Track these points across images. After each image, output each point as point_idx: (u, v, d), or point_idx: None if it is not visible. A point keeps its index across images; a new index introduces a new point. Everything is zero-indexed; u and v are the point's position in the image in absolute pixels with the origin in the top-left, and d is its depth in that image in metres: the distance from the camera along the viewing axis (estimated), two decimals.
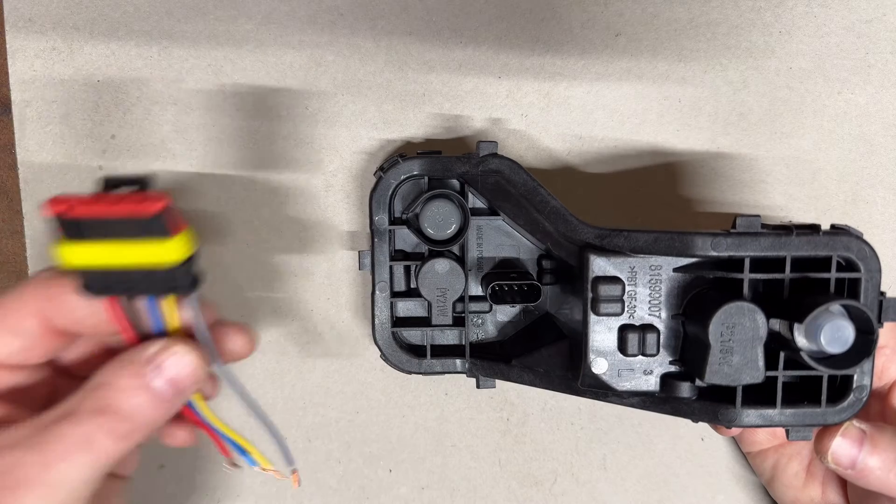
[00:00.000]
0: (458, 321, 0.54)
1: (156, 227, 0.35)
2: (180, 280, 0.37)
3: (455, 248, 0.54)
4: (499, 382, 0.54)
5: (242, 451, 0.44)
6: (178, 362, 0.39)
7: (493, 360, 0.54)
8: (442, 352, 0.55)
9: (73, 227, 0.36)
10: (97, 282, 0.37)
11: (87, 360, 0.45)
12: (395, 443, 0.60)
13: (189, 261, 0.37)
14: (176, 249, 0.36)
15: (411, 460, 0.60)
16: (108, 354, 0.43)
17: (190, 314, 0.40)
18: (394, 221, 0.53)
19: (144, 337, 0.40)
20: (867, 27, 0.58)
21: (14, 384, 0.41)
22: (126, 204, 0.35)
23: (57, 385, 0.44)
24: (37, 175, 0.57)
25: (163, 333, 0.40)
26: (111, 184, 0.37)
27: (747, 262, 0.46)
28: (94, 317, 0.40)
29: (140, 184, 0.37)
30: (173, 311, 0.40)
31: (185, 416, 0.42)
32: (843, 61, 0.58)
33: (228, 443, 0.44)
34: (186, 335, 0.40)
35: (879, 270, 0.45)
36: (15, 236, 0.58)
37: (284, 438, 0.44)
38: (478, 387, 0.54)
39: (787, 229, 0.46)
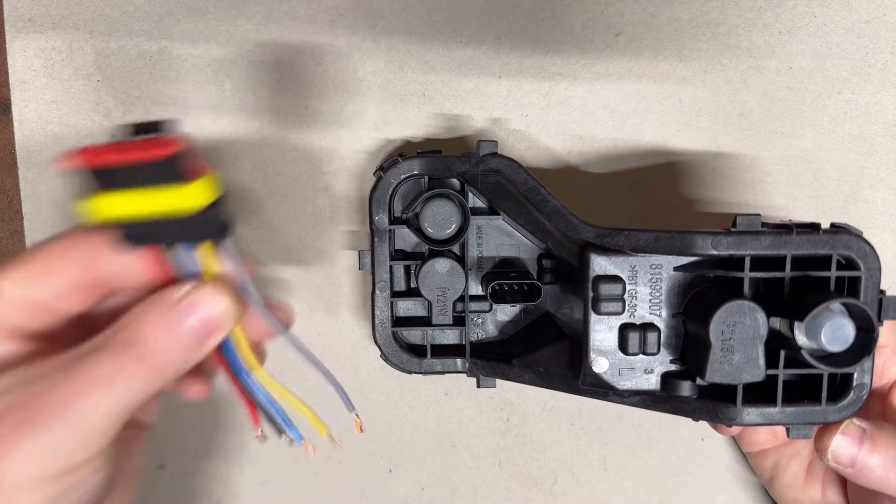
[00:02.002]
0: (459, 321, 0.54)
1: (172, 173, 0.34)
2: (210, 227, 0.36)
3: (455, 248, 0.54)
4: (499, 382, 0.54)
5: (286, 420, 0.42)
6: (210, 302, 0.38)
7: (493, 359, 0.54)
8: (442, 351, 0.55)
9: (96, 178, 0.34)
10: (134, 233, 0.36)
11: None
12: (395, 443, 0.60)
13: (215, 206, 0.36)
14: (197, 195, 0.35)
15: (411, 460, 0.60)
16: None
17: (227, 262, 0.38)
18: (394, 221, 0.53)
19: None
20: (867, 27, 0.58)
21: (48, 327, 0.40)
22: (139, 149, 0.33)
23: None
24: (37, 175, 0.57)
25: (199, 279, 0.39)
26: (139, 130, 0.35)
27: (748, 261, 0.46)
28: (132, 270, 0.39)
29: (160, 129, 0.35)
30: (211, 260, 0.38)
31: (224, 371, 0.41)
32: (843, 61, 0.58)
33: (269, 407, 0.42)
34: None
35: (879, 269, 0.45)
36: (15, 236, 0.58)
37: (340, 384, 0.42)
38: (478, 386, 0.54)
39: (787, 228, 0.46)
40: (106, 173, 0.34)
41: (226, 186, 0.37)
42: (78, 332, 0.40)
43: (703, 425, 0.60)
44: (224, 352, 0.40)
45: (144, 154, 0.33)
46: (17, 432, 0.34)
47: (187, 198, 0.35)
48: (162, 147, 0.33)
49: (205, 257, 0.38)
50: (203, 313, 0.38)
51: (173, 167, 0.34)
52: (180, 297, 0.38)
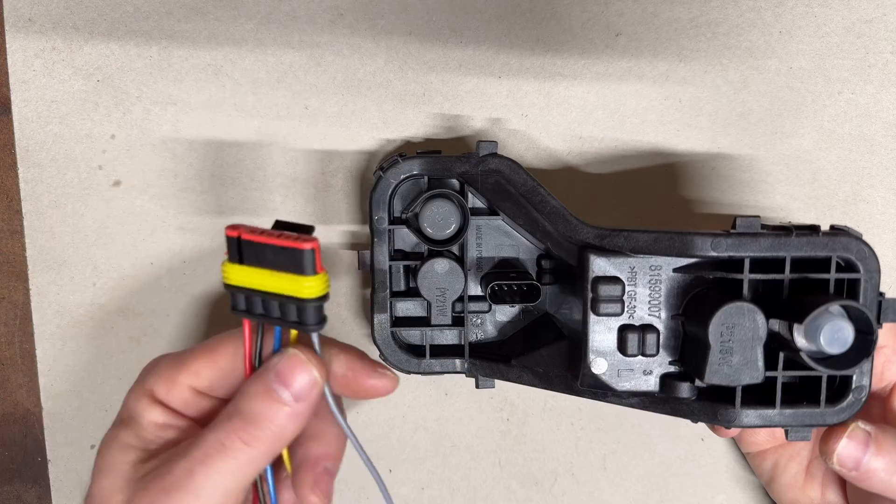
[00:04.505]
0: (458, 321, 0.54)
1: (304, 263, 0.40)
2: (310, 316, 0.42)
3: (454, 248, 0.54)
4: (499, 382, 0.54)
5: None
6: (297, 369, 0.42)
7: (492, 360, 0.54)
8: (441, 352, 0.55)
9: (240, 250, 0.42)
10: (243, 304, 0.43)
11: None
12: (395, 443, 0.60)
13: (321, 300, 0.42)
14: (315, 286, 0.41)
15: (411, 460, 0.60)
16: None
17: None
18: (393, 221, 0.53)
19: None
20: (867, 27, 0.58)
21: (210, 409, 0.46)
22: (286, 239, 0.41)
23: None
24: (37, 175, 0.57)
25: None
26: (280, 226, 0.42)
27: (747, 263, 0.46)
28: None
29: (304, 230, 0.42)
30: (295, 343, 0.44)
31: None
32: (843, 61, 0.58)
33: None
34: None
35: (879, 271, 0.45)
36: (15, 236, 0.58)
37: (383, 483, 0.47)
38: (477, 387, 0.54)
39: (786, 230, 0.46)
40: (254, 248, 0.41)
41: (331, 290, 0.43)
42: None
43: (704, 425, 0.60)
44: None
45: (291, 243, 0.40)
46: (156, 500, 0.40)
47: (307, 287, 0.41)
48: (304, 241, 0.40)
49: (291, 342, 0.44)
50: (294, 381, 0.42)
51: (307, 259, 0.40)
52: (271, 365, 0.42)
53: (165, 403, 0.44)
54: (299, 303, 0.41)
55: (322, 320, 0.42)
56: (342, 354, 0.46)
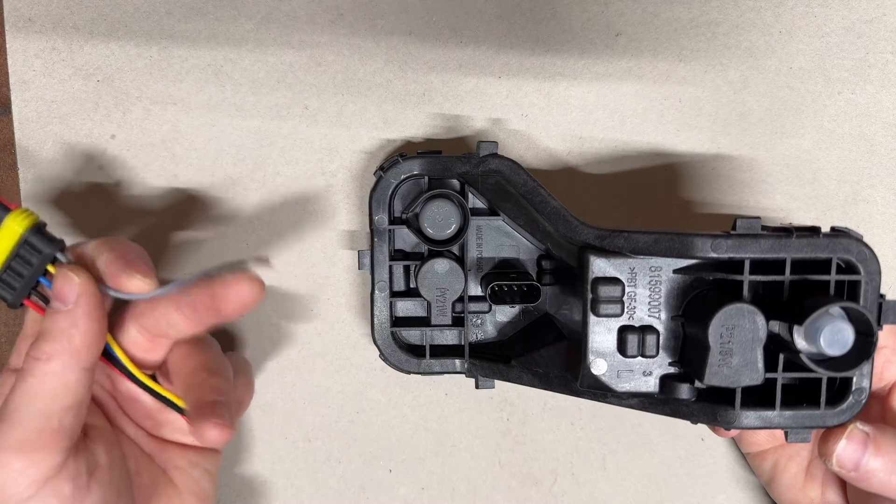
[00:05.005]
0: (458, 321, 0.54)
1: None
2: (45, 246, 0.45)
3: (455, 248, 0.54)
4: (499, 382, 0.54)
5: (166, 399, 0.48)
6: (55, 279, 0.45)
7: (492, 360, 0.54)
8: (441, 352, 0.55)
9: None
10: (10, 292, 0.46)
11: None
12: (395, 443, 0.60)
13: (38, 229, 0.45)
14: (17, 221, 0.44)
15: (411, 460, 0.61)
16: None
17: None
18: (393, 221, 0.53)
19: None
20: (867, 27, 0.58)
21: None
22: None
23: None
24: (37, 175, 0.57)
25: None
26: None
27: (747, 264, 0.46)
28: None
29: None
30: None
31: (117, 372, 0.48)
32: (843, 61, 0.58)
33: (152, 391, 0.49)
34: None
35: (879, 273, 0.45)
36: None
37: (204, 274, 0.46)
38: (477, 387, 0.54)
39: (787, 231, 0.46)
40: None
41: (39, 217, 0.46)
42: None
43: (703, 426, 0.60)
44: (112, 360, 0.47)
45: None
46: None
47: (12, 229, 0.44)
48: None
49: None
50: (55, 287, 0.44)
51: None
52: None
53: None
54: (26, 248, 0.45)
55: (53, 240, 0.45)
56: (105, 254, 0.46)
